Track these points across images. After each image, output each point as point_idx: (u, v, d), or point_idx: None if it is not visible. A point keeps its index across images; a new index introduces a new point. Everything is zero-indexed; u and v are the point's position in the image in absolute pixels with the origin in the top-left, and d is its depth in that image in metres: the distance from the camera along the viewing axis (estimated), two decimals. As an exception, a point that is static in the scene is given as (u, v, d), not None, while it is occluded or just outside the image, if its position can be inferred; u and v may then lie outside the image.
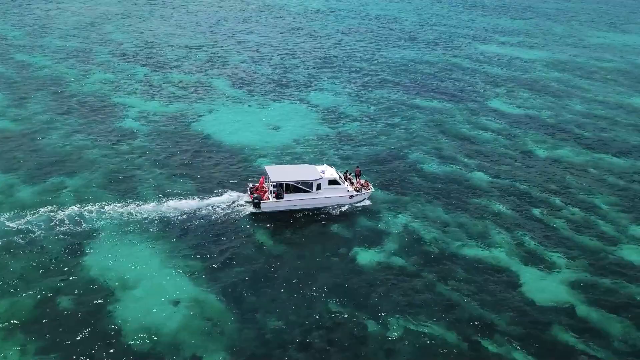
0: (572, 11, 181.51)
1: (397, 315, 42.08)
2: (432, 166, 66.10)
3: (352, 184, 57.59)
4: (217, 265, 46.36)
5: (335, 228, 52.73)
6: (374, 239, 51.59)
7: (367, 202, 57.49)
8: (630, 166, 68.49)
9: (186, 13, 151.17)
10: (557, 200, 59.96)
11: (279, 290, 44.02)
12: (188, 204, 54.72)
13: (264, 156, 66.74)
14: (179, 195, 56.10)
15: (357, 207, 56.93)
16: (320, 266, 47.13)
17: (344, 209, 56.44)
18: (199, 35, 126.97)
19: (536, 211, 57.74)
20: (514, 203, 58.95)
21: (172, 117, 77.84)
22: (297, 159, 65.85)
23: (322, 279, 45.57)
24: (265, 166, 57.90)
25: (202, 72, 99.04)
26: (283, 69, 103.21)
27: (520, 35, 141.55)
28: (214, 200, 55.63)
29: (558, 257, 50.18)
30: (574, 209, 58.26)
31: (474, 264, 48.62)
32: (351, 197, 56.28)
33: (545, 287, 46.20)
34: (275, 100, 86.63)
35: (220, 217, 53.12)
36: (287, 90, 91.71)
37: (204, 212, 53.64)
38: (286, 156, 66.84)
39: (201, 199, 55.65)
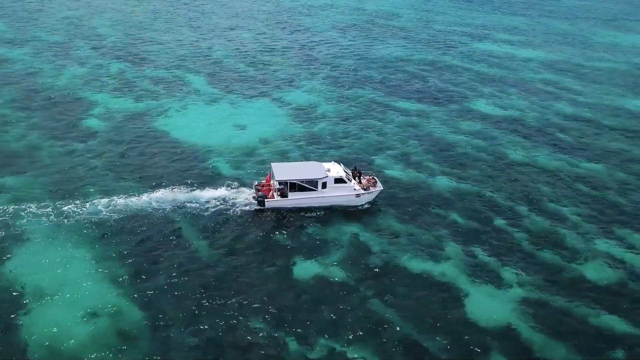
0: (580, 9, 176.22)
1: (323, 335, 39.41)
2: (396, 172, 63.11)
3: (360, 182, 55.17)
4: (147, 274, 44.11)
5: (279, 236, 50.08)
6: (318, 248, 48.90)
7: (366, 205, 55.27)
8: (607, 174, 64.83)
9: (177, 7, 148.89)
10: (522, 210, 56.66)
11: (203, 302, 41.50)
12: (130, 206, 52.63)
13: (221, 157, 64.25)
14: (124, 197, 54.00)
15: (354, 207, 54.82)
16: (253, 278, 44.58)
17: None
18: (185, 30, 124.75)
19: (498, 221, 54.52)
20: (475, 212, 55.77)
21: (137, 115, 75.78)
22: (257, 161, 63.37)
23: (252, 292, 42.97)
24: (271, 163, 56.15)
25: (179, 68, 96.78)
26: (264, 66, 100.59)
27: (520, 34, 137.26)
28: (157, 202, 53.32)
29: (511, 272, 47.03)
30: (538, 219, 54.90)
31: (418, 279, 45.72)
32: (358, 196, 54.22)
33: (490, 306, 43.14)
34: (249, 98, 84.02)
35: (162, 221, 50.69)
36: (263, 87, 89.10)
37: (145, 215, 51.36)
38: (245, 157, 64.32)
39: (144, 201, 53.41)
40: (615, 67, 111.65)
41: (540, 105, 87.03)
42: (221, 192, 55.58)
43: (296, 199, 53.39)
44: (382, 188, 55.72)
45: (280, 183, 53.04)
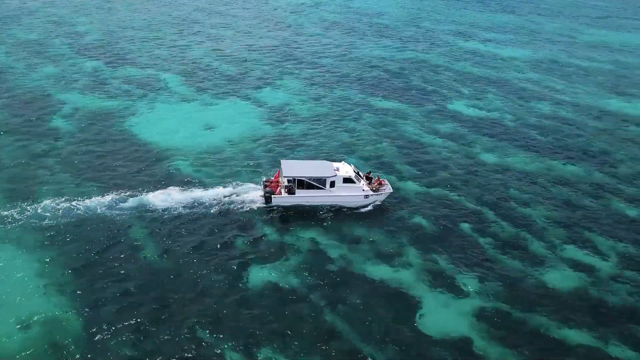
0: (570, 6, 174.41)
1: (268, 346, 37.88)
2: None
3: (369, 183, 54.33)
4: (92, 281, 42.55)
5: (239, 239, 48.46)
6: (275, 254, 47.40)
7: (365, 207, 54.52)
8: (583, 176, 63.32)
9: (159, 5, 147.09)
10: (490, 214, 55.08)
11: (146, 313, 40.02)
12: (82, 209, 51.09)
13: (185, 158, 62.71)
14: (78, 200, 52.44)
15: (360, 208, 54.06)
16: (203, 285, 43.05)
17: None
18: (165, 27, 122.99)
19: (464, 226, 52.97)
20: (441, 216, 54.23)
21: (106, 114, 74.20)
22: (221, 162, 61.95)
23: (200, 300, 41.42)
24: (281, 160, 55.74)
25: (155, 67, 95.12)
26: (242, 65, 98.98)
27: (506, 32, 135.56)
28: (111, 205, 51.91)
29: (471, 280, 45.51)
30: (505, 224, 53.36)
31: (375, 287, 44.22)
32: (367, 196, 53.42)
33: (445, 316, 41.66)
34: (222, 98, 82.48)
35: (115, 225, 49.17)
36: (238, 87, 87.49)
37: (97, 219, 49.81)
38: (209, 158, 62.75)
39: (97, 204, 51.88)
40: (600, 66, 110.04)
41: (520, 105, 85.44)
42: (181, 195, 54.09)
43: (303, 196, 52.77)
44: (392, 190, 54.75)
45: (288, 180, 52.38)
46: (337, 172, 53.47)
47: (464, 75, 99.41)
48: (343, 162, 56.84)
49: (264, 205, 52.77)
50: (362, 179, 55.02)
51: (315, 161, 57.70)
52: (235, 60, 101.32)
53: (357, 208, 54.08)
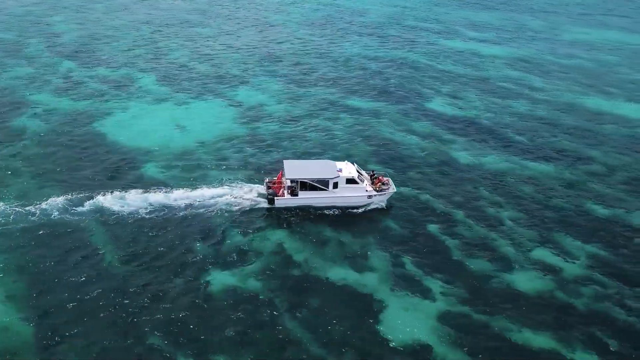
0: (554, 3, 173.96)
1: (223, 354, 37.04)
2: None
3: (373, 183, 54.01)
4: (47, 287, 41.85)
5: (202, 244, 47.63)
6: (238, 258, 46.72)
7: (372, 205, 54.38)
8: (555, 176, 62.83)
9: (139, 4, 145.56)
10: (459, 215, 54.51)
11: (100, 319, 39.25)
12: (43, 212, 50.06)
13: (154, 160, 61.79)
14: (38, 203, 51.47)
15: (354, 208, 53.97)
16: (160, 291, 42.19)
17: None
18: (144, 27, 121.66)
19: (432, 227, 52.38)
20: (410, 217, 53.65)
21: (77, 115, 73.25)
22: (190, 164, 61.09)
23: (155, 306, 40.67)
24: (283, 160, 55.14)
25: (132, 66, 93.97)
26: (220, 64, 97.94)
27: (489, 30, 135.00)
28: (74, 209, 51.01)
29: (437, 282, 44.91)
30: (474, 225, 52.82)
31: (337, 290, 43.58)
32: (370, 197, 53.12)
33: (407, 320, 41.10)
34: (197, 98, 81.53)
35: (76, 229, 48.41)
36: (215, 87, 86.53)
37: (59, 223, 48.96)
38: (179, 160, 62.01)
39: (60, 207, 51.04)
40: (581, 63, 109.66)
41: (497, 104, 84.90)
42: (148, 197, 53.34)
43: (306, 197, 52.57)
44: (395, 190, 54.24)
45: (291, 181, 51.94)
46: (340, 172, 52.97)
47: (443, 73, 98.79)
48: (346, 161, 56.32)
49: (267, 206, 52.53)
50: (366, 179, 54.45)
51: (318, 161, 57.12)
52: (213, 60, 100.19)
53: (359, 208, 53.64)
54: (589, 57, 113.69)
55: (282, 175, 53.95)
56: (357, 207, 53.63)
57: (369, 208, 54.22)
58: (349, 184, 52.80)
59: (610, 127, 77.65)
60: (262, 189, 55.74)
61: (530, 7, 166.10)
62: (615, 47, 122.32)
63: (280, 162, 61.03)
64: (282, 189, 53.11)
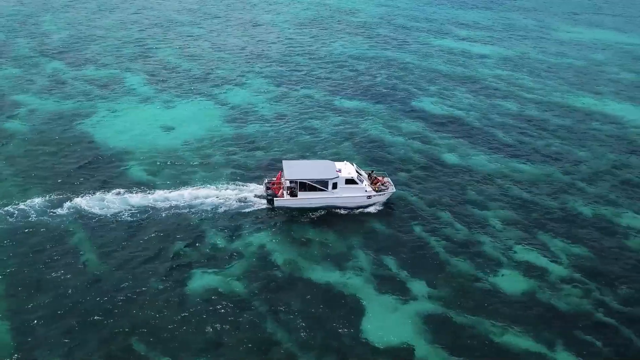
0: (546, 2, 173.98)
1: (200, 357, 36.66)
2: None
3: (373, 183, 53.95)
4: (26, 291, 41.36)
5: (184, 246, 47.25)
6: (221, 259, 46.33)
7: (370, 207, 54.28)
8: (543, 176, 62.64)
9: (131, 3, 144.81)
10: (445, 216, 54.22)
11: (79, 321, 38.96)
12: (23, 214, 49.79)
13: (139, 160, 61.31)
14: (18, 204, 51.11)
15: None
16: (140, 294, 41.77)
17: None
18: (134, 26, 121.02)
19: (417, 228, 52.07)
20: (394, 218, 53.34)
21: (62, 116, 72.60)
22: (176, 165, 60.55)
23: (135, 309, 40.22)
24: (282, 161, 54.91)
25: (119, 67, 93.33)
26: (209, 64, 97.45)
27: (480, 29, 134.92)
28: (55, 210, 50.64)
29: (421, 284, 44.65)
30: (460, 226, 52.50)
31: (320, 292, 43.25)
32: (369, 197, 52.94)
33: (390, 322, 40.77)
34: (185, 98, 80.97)
35: (56, 230, 47.90)
36: (203, 87, 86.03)
37: (40, 224, 48.43)
38: (164, 161, 61.35)
39: (41, 209, 50.44)
40: (572, 63, 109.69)
41: (487, 103, 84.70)
42: (131, 198, 52.99)
43: (306, 198, 52.34)
44: (394, 190, 54.17)
45: (290, 182, 51.72)
46: (339, 173, 52.77)
47: (433, 73, 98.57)
48: (345, 162, 56.14)
49: (267, 207, 52.44)
50: (365, 179, 54.28)
51: (318, 161, 56.91)
52: (201, 60, 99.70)
53: (360, 208, 53.40)
54: (578, 56, 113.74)
55: (282, 175, 53.74)
56: (357, 208, 53.28)
57: (368, 209, 53.92)
58: (348, 185, 52.66)
59: (598, 127, 77.59)
60: (246, 189, 55.53)
61: (521, 6, 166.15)
62: (605, 46, 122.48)
63: (270, 163, 61.38)
64: (281, 190, 52.91)
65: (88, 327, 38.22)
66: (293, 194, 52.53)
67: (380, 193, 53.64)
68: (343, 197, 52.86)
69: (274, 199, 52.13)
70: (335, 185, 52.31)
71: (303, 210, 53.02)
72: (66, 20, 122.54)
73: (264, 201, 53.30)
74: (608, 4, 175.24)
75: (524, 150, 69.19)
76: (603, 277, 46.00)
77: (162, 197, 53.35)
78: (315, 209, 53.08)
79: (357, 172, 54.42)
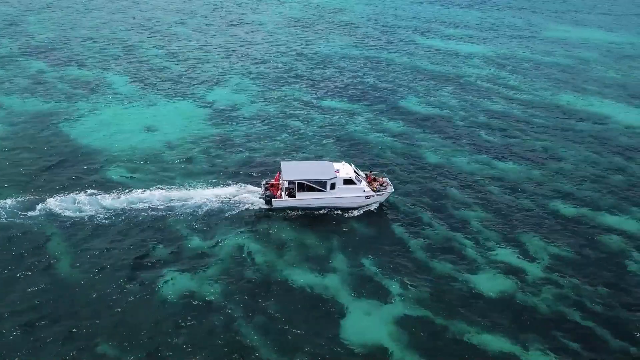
0: (538, 1, 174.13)
1: (173, 362, 36.11)
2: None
3: (370, 183, 53.85)
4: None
5: (160, 249, 46.78)
6: (198, 262, 45.80)
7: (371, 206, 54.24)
8: (525, 176, 62.43)
9: (119, 2, 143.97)
10: (425, 216, 53.94)
11: (50, 325, 38.32)
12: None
13: (119, 162, 60.81)
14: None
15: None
16: (114, 298, 41.24)
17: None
18: (120, 26, 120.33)
19: (397, 229, 51.77)
20: (375, 219, 52.95)
21: (43, 118, 71.94)
22: (156, 166, 60.01)
23: (108, 313, 39.73)
24: (280, 162, 54.86)
25: (104, 67, 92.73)
26: (193, 64, 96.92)
27: (468, 28, 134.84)
28: (27, 212, 49.95)
29: (398, 285, 44.28)
30: (440, 226, 52.21)
31: (297, 294, 42.89)
32: (368, 197, 52.88)
33: (366, 324, 40.47)
34: (167, 98, 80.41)
35: (28, 232, 47.39)
36: (185, 87, 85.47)
37: (11, 225, 47.74)
38: (145, 162, 60.81)
39: (12, 211, 49.68)
40: (558, 61, 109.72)
41: (472, 103, 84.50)
42: (109, 200, 52.45)
43: (304, 199, 52.31)
44: (393, 190, 54.13)
45: (288, 182, 51.73)
46: (337, 173, 52.72)
47: (418, 72, 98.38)
48: (343, 162, 56.13)
49: (265, 208, 52.30)
50: (363, 179, 54.20)
51: (316, 162, 56.86)
52: (187, 60, 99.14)
53: (358, 209, 53.29)
54: (566, 55, 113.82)
55: (280, 176, 53.59)
56: (356, 208, 53.28)
57: (367, 209, 53.95)
58: (346, 185, 52.67)
59: (582, 126, 77.52)
60: (226, 190, 55.24)
61: (509, 5, 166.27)
62: (591, 45, 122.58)
63: (250, 163, 60.62)
64: (279, 191, 52.82)
65: (55, 329, 37.68)
66: (291, 194, 52.51)
67: (378, 193, 53.53)
68: (341, 197, 52.88)
69: (272, 200, 52.05)
70: (333, 186, 52.35)
71: (288, 211, 52.86)
72: (51, 21, 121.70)
73: (247, 202, 53.19)
74: (595, 2, 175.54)
75: (507, 150, 68.98)
76: (582, 278, 45.80)
77: (138, 198, 52.87)
78: (313, 209, 52.92)
79: (355, 172, 54.22)
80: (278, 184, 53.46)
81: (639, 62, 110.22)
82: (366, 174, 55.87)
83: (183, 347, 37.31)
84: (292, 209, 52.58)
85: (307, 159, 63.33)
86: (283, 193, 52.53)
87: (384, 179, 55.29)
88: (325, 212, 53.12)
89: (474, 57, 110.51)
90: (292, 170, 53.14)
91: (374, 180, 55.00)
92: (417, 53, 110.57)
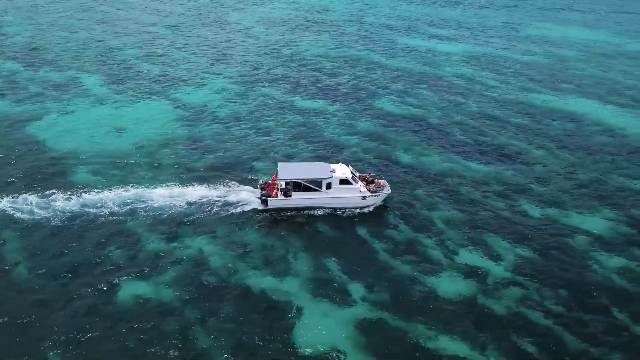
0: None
1: (122, 368, 35.42)
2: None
3: (368, 184, 53.70)
4: None
5: (118, 252, 45.98)
6: (155, 266, 45.11)
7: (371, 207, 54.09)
8: (494, 176, 62.00)
9: (99, 3, 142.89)
10: (390, 217, 53.34)
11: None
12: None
13: (84, 164, 60.01)
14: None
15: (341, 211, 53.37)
16: (66, 301, 40.51)
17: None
18: (98, 27, 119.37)
19: (361, 230, 51.17)
20: (339, 219, 52.34)
21: (11, 119, 71.15)
22: (122, 168, 59.28)
23: (57, 318, 39.04)
24: (278, 162, 55.14)
25: (78, 68, 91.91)
26: (170, 65, 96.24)
27: (450, 27, 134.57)
28: None
29: (359, 288, 43.78)
30: (404, 227, 51.76)
31: (255, 297, 42.34)
32: (364, 198, 52.69)
33: (323, 327, 39.98)
34: (141, 99, 79.67)
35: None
36: (161, 88, 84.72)
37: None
38: (110, 164, 60.04)
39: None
40: (537, 60, 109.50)
41: (448, 102, 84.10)
42: (67, 202, 51.74)
43: (300, 198, 52.25)
44: (390, 191, 53.88)
45: (286, 182, 51.96)
46: (333, 173, 52.54)
47: (397, 71, 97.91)
48: (340, 163, 56.06)
49: (261, 208, 52.15)
50: (359, 180, 53.92)
51: (312, 163, 57.05)
52: (163, 60, 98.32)
53: (355, 209, 53.09)
54: (545, 54, 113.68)
55: (277, 176, 53.54)
56: (352, 209, 53.13)
57: (364, 210, 53.73)
58: (342, 185, 52.55)
59: (557, 125, 77.24)
60: (192, 192, 54.70)
61: (493, 4, 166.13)
62: (572, 43, 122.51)
63: (219, 164, 59.98)
64: (275, 190, 52.75)
65: (9, 336, 36.93)
66: (287, 194, 52.43)
67: (375, 194, 53.24)
68: (337, 197, 52.80)
69: (268, 199, 52.08)
70: (329, 186, 52.30)
71: (294, 211, 52.79)
72: (29, 21, 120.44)
73: (212, 204, 52.76)
74: (577, 1, 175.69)
75: (479, 149, 68.58)
76: (545, 279, 45.40)
77: (98, 200, 52.24)
78: (309, 209, 52.83)
79: (352, 173, 54.10)
80: (275, 184, 53.36)
81: (618, 60, 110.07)
82: (364, 176, 55.66)
83: (134, 352, 36.54)
84: (288, 208, 52.46)
85: (278, 160, 62.79)
86: (279, 193, 52.46)
87: (382, 181, 55.15)
88: (321, 212, 52.84)
89: (454, 55, 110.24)
90: (289, 170, 53.40)
91: (372, 181, 54.60)
92: (396, 52, 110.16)
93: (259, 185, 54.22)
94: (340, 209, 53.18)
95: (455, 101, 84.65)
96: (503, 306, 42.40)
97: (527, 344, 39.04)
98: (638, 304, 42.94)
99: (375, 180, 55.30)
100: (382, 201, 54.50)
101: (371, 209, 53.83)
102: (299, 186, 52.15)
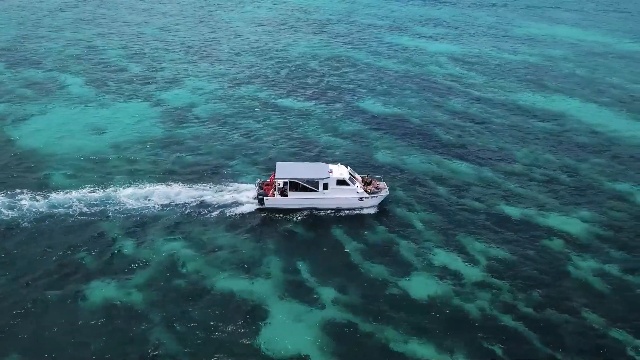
0: None
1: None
2: (249, 177, 58.67)
3: (366, 185, 53.67)
4: None
5: (84, 254, 45.29)
6: (125, 268, 44.58)
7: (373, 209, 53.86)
8: (474, 176, 61.64)
9: (87, 3, 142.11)
10: (368, 218, 52.83)
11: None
12: None
13: (59, 165, 59.39)
14: None
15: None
16: (31, 305, 40.10)
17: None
18: (85, 26, 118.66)
19: (336, 231, 50.64)
20: (316, 221, 51.89)
21: (-11, 120, 70.05)
22: (100, 169, 58.66)
23: (22, 322, 38.76)
24: (276, 162, 54.97)
25: (61, 68, 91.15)
26: (155, 64, 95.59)
27: (439, 26, 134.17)
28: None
29: (330, 290, 43.37)
30: (380, 228, 51.23)
31: (223, 300, 41.91)
32: (361, 199, 52.45)
33: (291, 331, 39.52)
34: (123, 100, 79.07)
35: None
36: (143, 88, 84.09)
37: None
38: (88, 165, 59.43)
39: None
40: (525, 59, 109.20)
41: (432, 102, 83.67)
42: (37, 202, 51.16)
43: (296, 198, 52.13)
44: (387, 193, 53.76)
45: (284, 182, 51.96)
46: (330, 174, 52.33)
47: (382, 71, 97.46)
48: (338, 164, 55.90)
49: (257, 207, 52.06)
50: (358, 181, 53.69)
51: (310, 163, 56.97)
52: (147, 60, 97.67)
53: (353, 210, 52.91)
54: (533, 53, 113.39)
55: (274, 176, 53.53)
56: (349, 209, 52.99)
57: (362, 211, 53.47)
58: (339, 185, 52.40)
59: (541, 125, 76.90)
60: (169, 192, 53.99)
61: (483, 2, 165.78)
62: (561, 43, 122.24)
63: (196, 165, 59.42)
64: (272, 190, 52.67)
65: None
66: (284, 194, 52.33)
67: (372, 195, 52.96)
68: (334, 198, 52.66)
69: (265, 198, 51.96)
70: (326, 186, 52.15)
71: (289, 212, 52.57)
72: (15, 20, 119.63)
73: (187, 205, 52.34)
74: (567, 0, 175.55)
75: (461, 150, 68.16)
76: (518, 281, 44.98)
77: (72, 201, 51.62)
78: (306, 209, 52.72)
79: (350, 174, 53.86)
80: (272, 184, 53.30)
81: (607, 60, 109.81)
82: (362, 177, 55.39)
83: (98, 355, 36.00)
84: (285, 208, 52.28)
85: (256, 162, 62.33)
86: (276, 192, 52.33)
87: (381, 182, 54.93)
88: (313, 212, 52.63)
89: (441, 55, 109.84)
90: (286, 169, 53.36)
91: (370, 183, 54.40)
92: (383, 52, 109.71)
93: (256, 184, 54.20)
94: (337, 209, 52.83)
95: (439, 101, 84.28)
96: (475, 308, 42.02)
97: (496, 346, 38.64)
98: (610, 306, 42.56)
99: (374, 181, 54.97)
100: (380, 203, 53.97)
101: (370, 210, 53.10)
102: (296, 186, 51.99)
